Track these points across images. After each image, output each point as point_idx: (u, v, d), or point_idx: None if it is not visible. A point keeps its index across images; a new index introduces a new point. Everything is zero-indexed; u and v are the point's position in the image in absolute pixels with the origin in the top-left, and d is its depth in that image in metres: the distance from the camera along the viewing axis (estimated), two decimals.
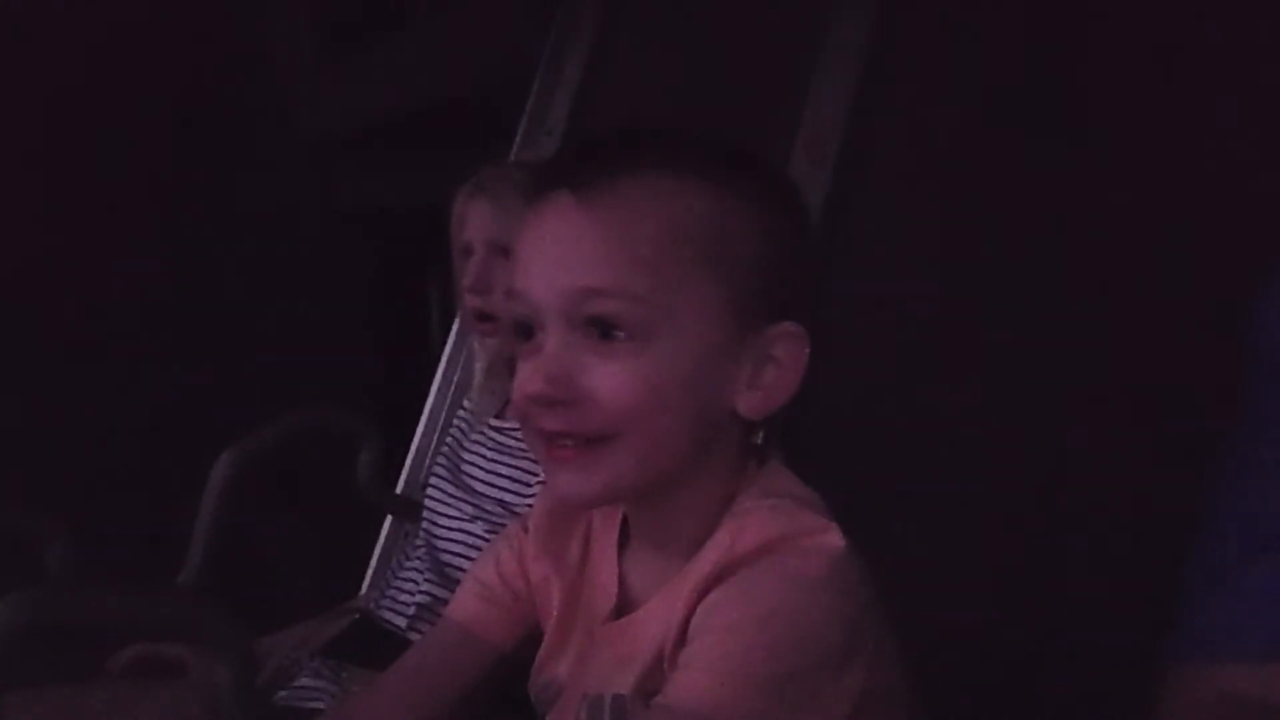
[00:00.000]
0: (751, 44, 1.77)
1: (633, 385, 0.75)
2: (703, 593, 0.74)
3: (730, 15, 1.80)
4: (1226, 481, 0.76)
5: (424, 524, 1.46)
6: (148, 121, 2.74)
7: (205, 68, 2.81)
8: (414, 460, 1.90)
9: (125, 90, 2.70)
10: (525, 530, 0.91)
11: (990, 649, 1.26)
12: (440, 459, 1.51)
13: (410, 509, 1.69)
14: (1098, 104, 1.37)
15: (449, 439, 1.54)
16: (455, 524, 1.41)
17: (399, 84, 2.71)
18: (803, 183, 1.43)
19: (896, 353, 1.48)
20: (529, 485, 1.36)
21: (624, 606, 0.83)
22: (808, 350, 0.78)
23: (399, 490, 1.87)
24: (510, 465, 1.39)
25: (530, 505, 1.11)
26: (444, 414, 1.90)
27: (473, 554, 1.34)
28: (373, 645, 1.35)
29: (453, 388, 1.92)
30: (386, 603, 1.43)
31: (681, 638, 0.75)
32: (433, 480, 1.49)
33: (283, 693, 1.34)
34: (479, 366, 1.54)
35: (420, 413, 1.94)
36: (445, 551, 1.40)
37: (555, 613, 0.87)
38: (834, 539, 0.75)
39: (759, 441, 0.83)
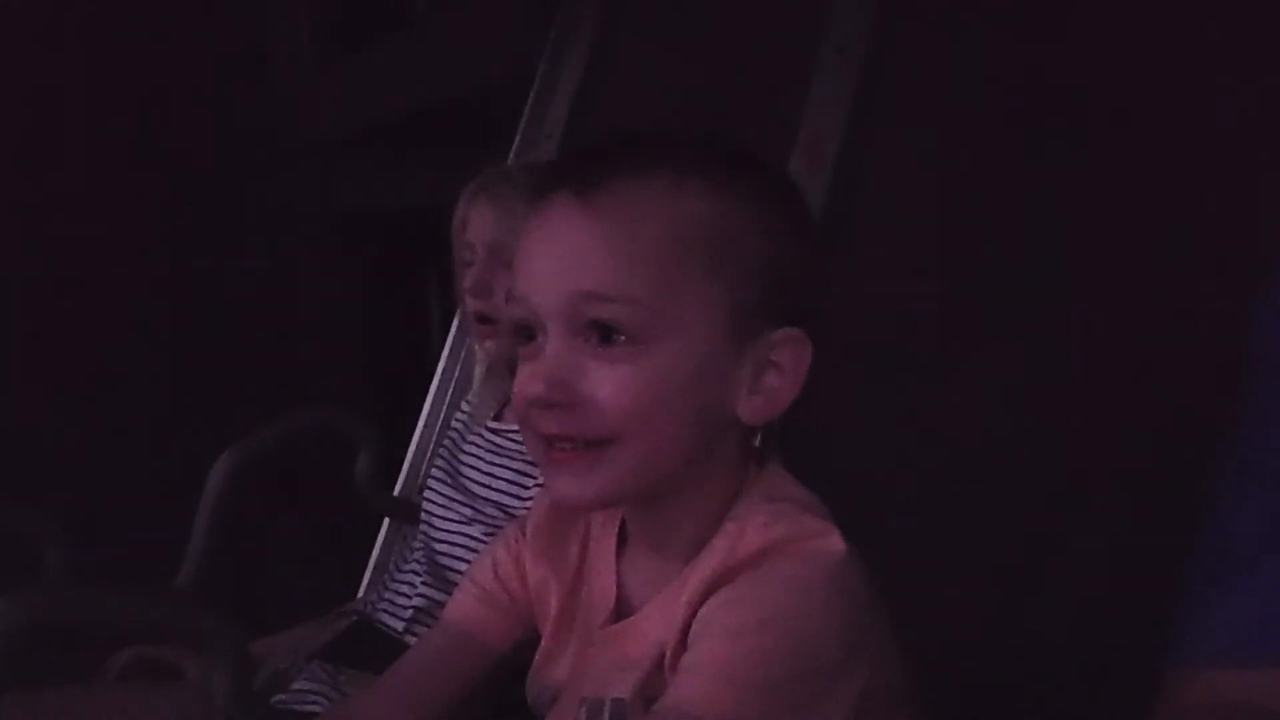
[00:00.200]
0: (751, 46, 1.77)
1: (633, 389, 0.74)
2: (703, 596, 0.74)
3: (730, 17, 1.80)
4: (1226, 483, 0.76)
5: (422, 526, 1.46)
6: (148, 122, 2.74)
7: (205, 69, 2.81)
8: (412, 462, 1.90)
9: (125, 91, 2.70)
10: (523, 532, 0.91)
11: (990, 650, 1.26)
12: (438, 461, 1.51)
13: (408, 511, 1.69)
14: (1097, 104, 1.37)
15: (447, 441, 1.54)
16: (453, 526, 1.40)
17: (399, 85, 2.71)
18: (802, 185, 1.43)
19: (896, 355, 1.47)
20: (527, 488, 1.36)
21: (622, 610, 0.83)
22: (809, 355, 0.78)
23: (397, 492, 1.86)
24: (508, 468, 1.39)
25: (528, 508, 1.11)
26: (442, 416, 1.90)
27: (470, 557, 1.33)
28: (370, 648, 1.35)
29: (451, 390, 1.92)
30: (383, 605, 1.43)
31: (682, 642, 0.74)
32: (430, 483, 1.48)
33: (279, 695, 1.33)
34: (479, 368, 1.54)
35: (419, 415, 1.94)
36: (443, 554, 1.40)
37: (553, 616, 0.87)
38: (835, 542, 0.74)
39: (758, 444, 0.83)
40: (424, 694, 0.89)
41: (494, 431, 1.44)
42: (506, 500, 1.38)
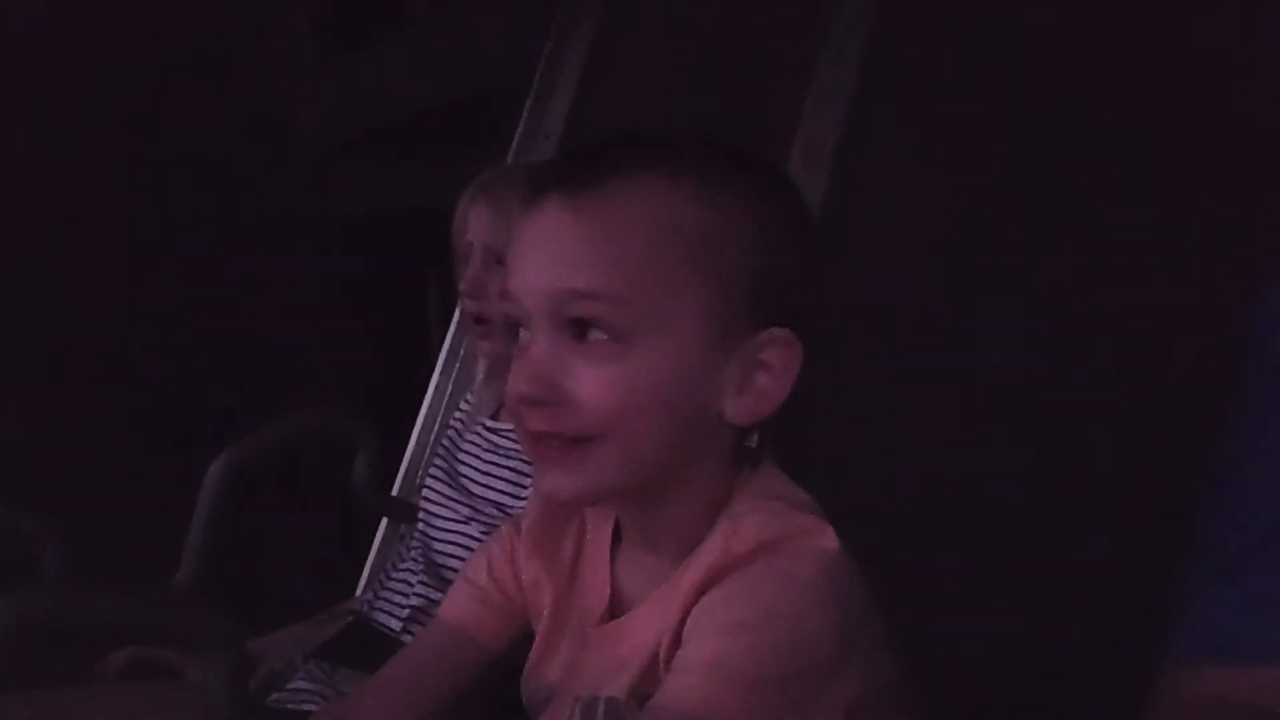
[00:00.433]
0: (750, 47, 1.77)
1: (613, 388, 0.75)
2: (697, 595, 0.74)
3: (729, 18, 1.80)
4: (1224, 483, 0.76)
5: (419, 525, 1.46)
6: (149, 124, 2.74)
7: (205, 71, 2.82)
8: (410, 462, 1.90)
9: (125, 93, 2.70)
10: (518, 531, 0.91)
11: (988, 650, 1.26)
12: (436, 460, 1.51)
13: (406, 511, 1.69)
14: (1097, 105, 1.37)
15: (445, 440, 1.54)
16: (450, 526, 1.40)
17: (398, 86, 2.71)
18: (801, 185, 1.43)
19: (895, 356, 1.47)
20: (524, 487, 1.36)
21: (616, 608, 0.83)
22: (800, 356, 0.78)
23: (394, 492, 1.86)
24: (505, 467, 1.39)
25: (525, 507, 1.11)
26: (440, 416, 1.90)
27: (468, 556, 1.33)
28: (367, 648, 1.34)
29: (449, 390, 1.92)
30: (380, 605, 1.43)
31: (676, 640, 0.74)
32: (428, 482, 1.48)
33: (276, 695, 1.33)
34: (481, 366, 1.54)
35: (417, 415, 1.94)
36: (440, 553, 1.40)
37: (547, 614, 0.87)
38: (828, 540, 0.74)
39: (753, 444, 0.83)
40: (419, 692, 0.89)
41: (492, 430, 1.44)
42: (504, 499, 1.38)
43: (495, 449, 1.42)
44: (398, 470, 1.90)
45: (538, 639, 0.88)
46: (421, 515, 1.46)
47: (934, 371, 1.43)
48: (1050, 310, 1.35)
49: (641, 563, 0.83)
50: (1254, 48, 1.25)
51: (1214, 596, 0.73)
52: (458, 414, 1.59)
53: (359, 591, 1.77)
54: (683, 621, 0.74)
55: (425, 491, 1.48)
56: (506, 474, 1.39)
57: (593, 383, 0.75)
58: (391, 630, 1.38)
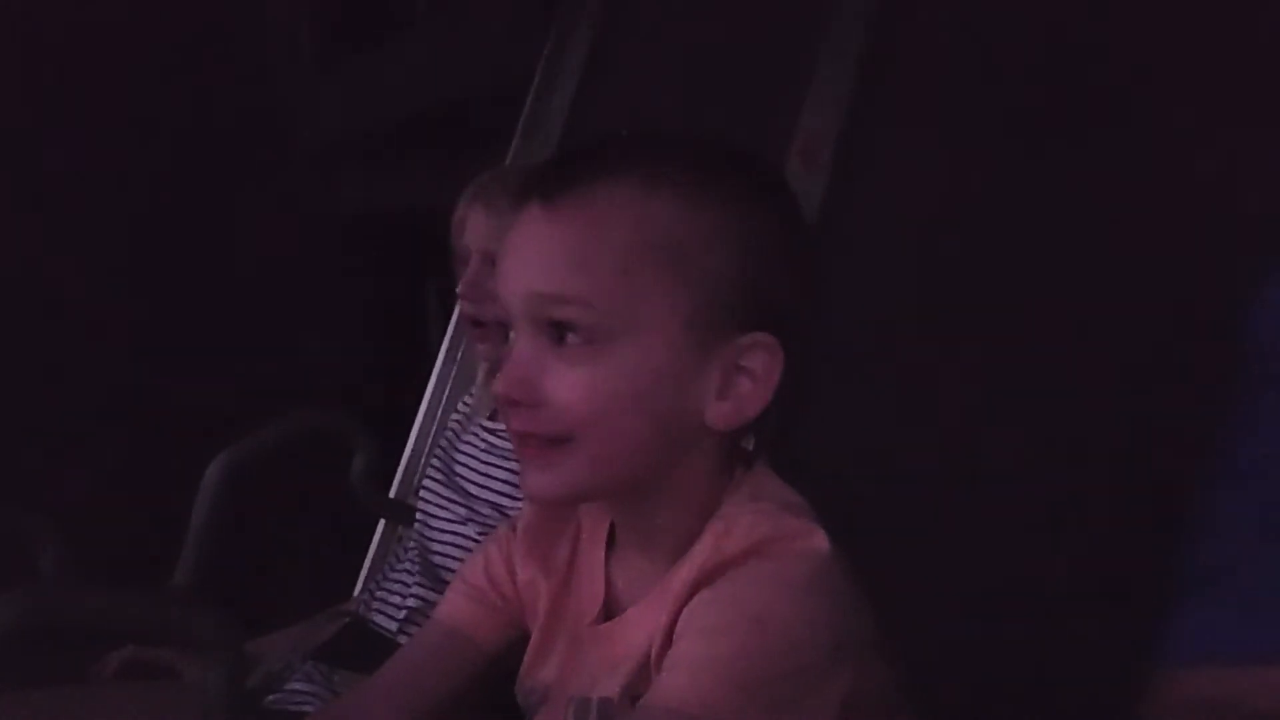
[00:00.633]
0: (749, 47, 1.77)
1: (587, 390, 0.75)
2: (688, 596, 0.74)
3: (728, 19, 1.80)
4: (1215, 484, 0.76)
5: (417, 526, 1.46)
6: (149, 125, 2.74)
7: (205, 73, 2.82)
8: (408, 463, 1.90)
9: (125, 94, 2.70)
10: (514, 532, 0.91)
11: (985, 651, 1.26)
12: (434, 461, 1.51)
13: (403, 512, 1.69)
14: (1097, 106, 1.37)
15: (443, 441, 1.54)
16: (448, 526, 1.41)
17: (399, 87, 2.71)
18: (798, 186, 1.43)
19: (893, 358, 1.47)
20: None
21: (611, 610, 0.83)
22: (782, 361, 0.77)
23: (392, 493, 1.87)
24: (503, 467, 1.39)
25: (522, 507, 1.11)
26: (438, 417, 1.90)
27: (465, 556, 1.33)
28: (364, 649, 1.34)
29: (447, 391, 1.92)
30: (377, 606, 1.43)
31: (668, 641, 0.74)
32: (426, 483, 1.48)
33: (274, 696, 1.33)
34: (481, 367, 1.55)
35: (415, 416, 1.94)
36: (437, 554, 1.40)
37: (542, 615, 0.87)
38: (819, 542, 0.74)
39: (749, 447, 0.83)
40: (415, 693, 0.89)
41: (490, 431, 1.44)
42: (501, 500, 1.38)
43: (493, 450, 1.42)
44: (396, 471, 1.90)
45: (533, 640, 0.88)
46: (419, 515, 1.46)
47: (934, 372, 1.43)
48: (1050, 310, 1.35)
49: (635, 564, 0.83)
50: (1255, 47, 1.25)
51: (1204, 597, 0.73)
52: (456, 415, 1.59)
53: (356, 592, 1.77)
54: (674, 622, 0.74)
55: (423, 492, 1.48)
56: (504, 475, 1.39)
57: (568, 385, 0.75)
58: (388, 631, 1.39)
